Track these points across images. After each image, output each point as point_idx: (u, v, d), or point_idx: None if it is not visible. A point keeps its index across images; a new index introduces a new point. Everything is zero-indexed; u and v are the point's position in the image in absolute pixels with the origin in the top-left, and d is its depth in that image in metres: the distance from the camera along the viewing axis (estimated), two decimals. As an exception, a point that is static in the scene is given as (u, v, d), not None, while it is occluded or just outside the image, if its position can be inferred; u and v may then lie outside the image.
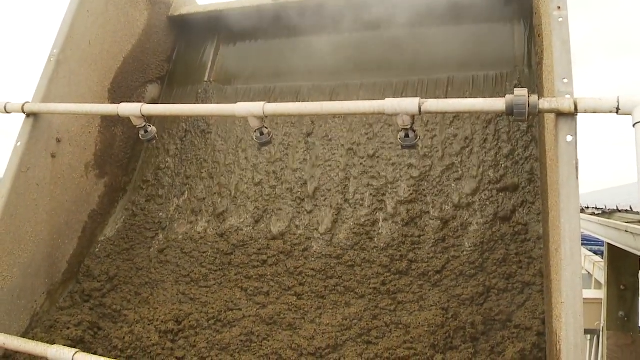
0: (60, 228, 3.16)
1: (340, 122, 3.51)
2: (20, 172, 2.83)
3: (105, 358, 2.18)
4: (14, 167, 2.81)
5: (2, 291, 2.76)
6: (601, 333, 7.64)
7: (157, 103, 3.90)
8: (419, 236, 3.05)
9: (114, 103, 3.27)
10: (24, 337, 2.65)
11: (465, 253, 2.92)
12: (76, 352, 2.18)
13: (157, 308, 3.05)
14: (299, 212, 3.34)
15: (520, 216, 2.97)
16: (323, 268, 3.07)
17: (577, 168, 1.86)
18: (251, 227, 3.37)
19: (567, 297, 1.77)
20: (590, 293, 8.98)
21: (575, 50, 2.07)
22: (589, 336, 8.83)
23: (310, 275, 3.06)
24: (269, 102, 2.33)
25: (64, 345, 2.55)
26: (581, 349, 1.72)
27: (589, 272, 9.73)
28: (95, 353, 2.77)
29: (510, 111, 1.94)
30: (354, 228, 3.18)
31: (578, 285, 1.78)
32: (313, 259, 3.12)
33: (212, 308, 3.00)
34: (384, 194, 3.25)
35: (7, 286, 2.79)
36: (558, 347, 1.80)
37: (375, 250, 3.06)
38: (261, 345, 2.77)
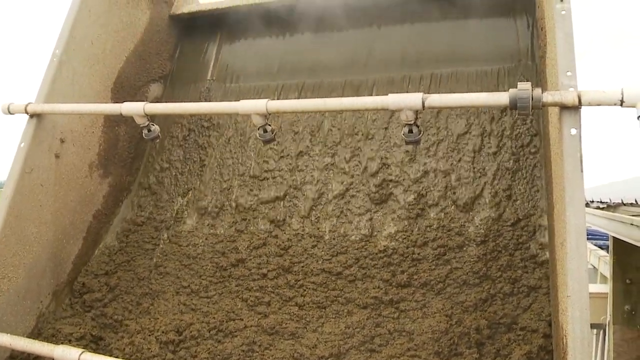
0: (65, 228, 3.17)
1: (342, 133, 3.49)
2: (24, 173, 2.83)
3: (112, 358, 2.18)
4: (17, 168, 2.82)
5: (8, 292, 2.77)
6: (607, 327, 7.62)
7: (160, 102, 3.90)
8: (419, 253, 3.01)
9: (117, 102, 3.27)
10: (30, 338, 2.66)
11: (467, 264, 2.90)
12: (82, 352, 2.19)
13: (158, 318, 3.03)
14: (298, 231, 3.31)
15: (524, 226, 2.95)
16: (324, 281, 3.05)
17: (581, 161, 1.85)
18: (250, 242, 3.34)
19: (573, 291, 1.77)
20: (596, 287, 8.96)
21: (575, 40, 2.06)
22: (595, 330, 8.81)
23: (311, 288, 3.04)
24: (272, 100, 2.32)
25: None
26: (588, 342, 1.72)
27: (594, 267, 9.71)
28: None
29: (513, 105, 1.93)
30: (354, 247, 3.14)
31: (584, 279, 1.77)
32: (313, 275, 3.10)
33: (214, 318, 2.99)
34: (383, 210, 3.22)
35: (13, 287, 2.80)
36: (565, 340, 1.80)
37: (375, 268, 3.03)
38: (263, 355, 2.75)
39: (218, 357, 2.79)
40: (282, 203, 3.41)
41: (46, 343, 2.35)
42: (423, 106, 2.04)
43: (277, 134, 2.86)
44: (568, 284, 1.78)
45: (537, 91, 1.90)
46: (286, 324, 2.88)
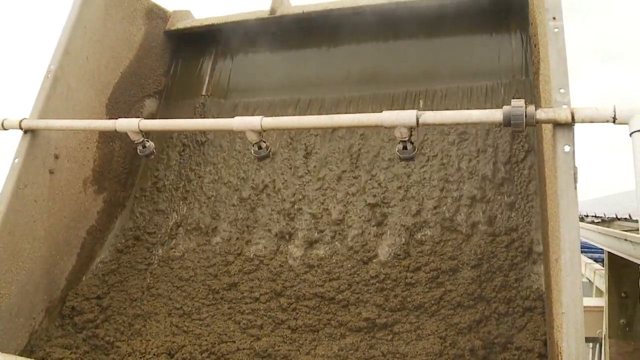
0: (58, 245, 3.15)
1: (338, 157, 3.49)
2: (18, 189, 2.82)
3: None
4: (11, 184, 2.81)
5: (0, 310, 2.74)
6: (603, 341, 7.61)
7: (155, 117, 3.90)
8: (412, 277, 2.99)
9: (111, 118, 3.27)
10: (21, 356, 2.63)
11: (461, 286, 2.88)
12: (75, 370, 2.17)
13: (150, 340, 3.00)
14: (290, 256, 3.29)
15: (518, 247, 2.94)
16: (317, 305, 3.03)
17: (575, 178, 1.86)
18: (242, 266, 3.32)
19: (567, 308, 1.77)
20: (592, 301, 8.94)
21: (568, 57, 2.08)
22: (591, 344, 8.80)
23: (304, 311, 3.02)
24: (266, 116, 2.33)
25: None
26: (583, 358, 1.72)
27: (589, 280, 9.70)
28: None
29: (507, 122, 1.94)
30: (346, 273, 3.11)
31: (578, 296, 1.77)
32: (305, 299, 3.07)
33: (206, 340, 2.96)
34: (375, 237, 3.20)
35: (5, 304, 2.77)
36: (560, 357, 1.79)
37: (368, 293, 3.01)
38: None
39: None
40: (275, 227, 3.40)
41: (38, 361, 2.33)
42: (417, 123, 2.05)
43: (272, 151, 2.86)
44: (562, 300, 1.78)
45: (531, 108, 1.92)
46: (279, 346, 2.86)
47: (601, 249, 7.81)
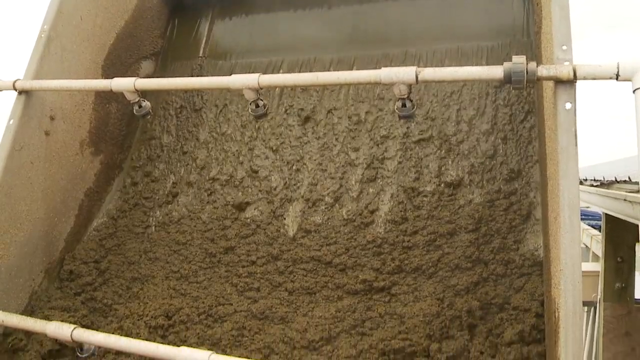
0: (56, 206, 3.14)
1: (336, 120, 3.45)
2: (13, 151, 2.80)
3: (104, 333, 2.18)
4: (7, 146, 2.78)
5: (-1, 270, 2.76)
6: (598, 305, 7.70)
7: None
8: (409, 240, 2.98)
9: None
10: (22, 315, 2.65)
11: (459, 249, 2.87)
12: (75, 328, 2.18)
13: (147, 303, 3.01)
14: (287, 221, 3.28)
15: (516, 210, 2.93)
16: (314, 268, 3.03)
17: (576, 135, 1.84)
18: (239, 230, 3.31)
19: (565, 265, 1.77)
20: (588, 266, 9.03)
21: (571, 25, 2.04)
22: (586, 308, 8.91)
23: (300, 274, 3.02)
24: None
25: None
26: (579, 316, 1.72)
27: (586, 246, 9.78)
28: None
29: (508, 79, 1.91)
30: (343, 238, 3.10)
31: (577, 253, 1.77)
32: (302, 262, 3.07)
33: (203, 303, 2.97)
34: (372, 202, 3.19)
35: (4, 265, 2.78)
36: (557, 314, 1.80)
37: (365, 257, 3.00)
38: (253, 340, 2.74)
39: (207, 341, 2.78)
40: (272, 192, 3.39)
41: (39, 320, 2.35)
42: (417, 80, 2.02)
43: (270, 114, 2.82)
44: (561, 257, 1.78)
45: (532, 65, 1.88)
46: (276, 308, 2.87)
47: (598, 215, 7.84)
